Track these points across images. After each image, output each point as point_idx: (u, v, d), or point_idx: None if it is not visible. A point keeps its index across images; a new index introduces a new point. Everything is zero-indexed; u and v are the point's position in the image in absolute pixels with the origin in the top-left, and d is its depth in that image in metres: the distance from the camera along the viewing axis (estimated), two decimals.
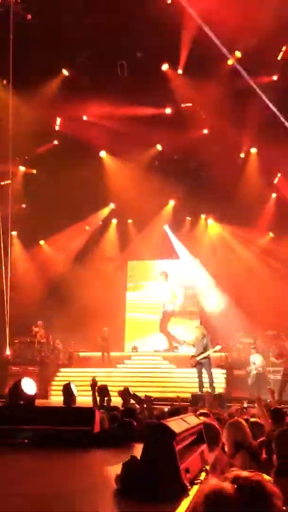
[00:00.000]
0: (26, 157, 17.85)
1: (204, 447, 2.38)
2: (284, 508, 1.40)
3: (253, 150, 17.29)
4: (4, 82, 15.29)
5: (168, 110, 16.85)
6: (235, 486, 1.30)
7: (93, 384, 7.46)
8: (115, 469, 1.80)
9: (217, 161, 16.06)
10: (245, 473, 1.38)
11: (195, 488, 1.77)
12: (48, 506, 1.62)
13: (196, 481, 1.87)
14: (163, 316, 17.61)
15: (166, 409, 7.02)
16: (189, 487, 1.70)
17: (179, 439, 1.81)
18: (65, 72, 16.02)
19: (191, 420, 2.29)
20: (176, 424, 1.87)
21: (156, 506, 1.50)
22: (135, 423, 3.24)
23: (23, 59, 13.87)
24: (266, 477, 1.67)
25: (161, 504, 1.52)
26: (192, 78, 15.17)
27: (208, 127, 17.03)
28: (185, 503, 1.57)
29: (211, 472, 2.29)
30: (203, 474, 2.03)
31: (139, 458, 1.73)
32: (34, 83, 15.27)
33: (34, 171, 18.09)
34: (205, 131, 17.13)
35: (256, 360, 13.67)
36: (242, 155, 17.49)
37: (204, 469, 2.14)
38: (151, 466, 1.65)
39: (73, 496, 1.75)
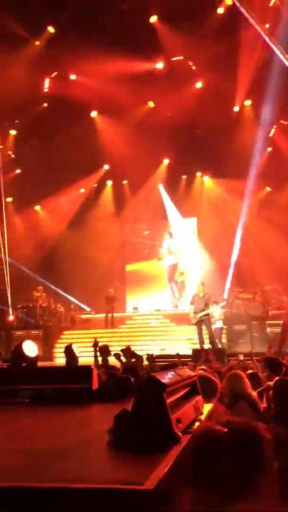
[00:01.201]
0: (16, 121, 17.50)
1: (198, 398, 2.42)
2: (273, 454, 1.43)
3: (248, 103, 16.92)
4: None
5: (159, 65, 16.36)
6: (228, 428, 1.33)
7: (95, 344, 7.60)
8: (110, 423, 1.84)
9: (211, 116, 15.74)
10: (238, 419, 1.41)
11: (187, 437, 1.82)
12: (45, 459, 1.66)
13: (189, 430, 1.91)
14: (168, 269, 17.68)
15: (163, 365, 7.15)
16: (181, 436, 1.74)
17: (170, 390, 1.84)
18: (50, 29, 15.46)
19: (184, 372, 2.32)
20: (167, 376, 1.89)
21: (147, 454, 1.53)
22: (132, 379, 3.30)
23: (6, 17, 13.37)
24: (260, 424, 1.71)
25: (153, 452, 1.55)
26: (182, 29, 14.65)
27: (200, 81, 16.60)
28: (176, 450, 1.61)
29: (206, 421, 2.34)
30: (196, 424, 2.08)
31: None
32: (19, 43, 14.77)
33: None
34: (198, 85, 16.71)
35: (215, 314, 13.61)
36: (236, 109, 17.13)
37: (197, 419, 2.19)
38: (141, 417, 1.69)
39: (68, 450, 1.79)
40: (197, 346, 12.37)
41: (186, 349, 12.42)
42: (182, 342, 14.19)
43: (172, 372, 2.09)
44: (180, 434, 1.75)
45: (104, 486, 1.19)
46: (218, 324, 13.51)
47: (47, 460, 1.63)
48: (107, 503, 1.18)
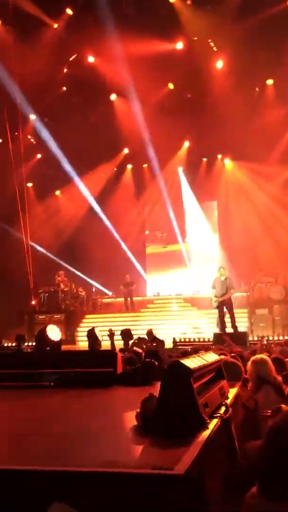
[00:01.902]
0: (35, 106, 17.45)
1: (223, 382, 2.42)
2: None
3: (269, 82, 16.56)
4: (6, 27, 14.71)
5: (179, 45, 16.06)
6: None
7: (111, 334, 7.70)
8: (136, 407, 1.85)
9: (232, 97, 15.45)
10: None
11: (214, 421, 1.81)
12: (74, 444, 1.67)
13: (215, 415, 1.91)
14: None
15: (189, 349, 7.18)
16: (208, 420, 1.74)
17: (197, 375, 1.83)
18: (69, 11, 15.28)
19: (210, 357, 2.31)
20: (193, 362, 1.88)
21: (175, 439, 1.54)
22: (156, 363, 3.31)
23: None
24: None
25: (180, 436, 1.56)
26: (202, 8, 14.32)
27: (221, 61, 16.27)
28: (205, 435, 1.61)
29: (232, 406, 2.34)
30: (222, 408, 2.07)
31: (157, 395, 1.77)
32: (37, 26, 14.67)
33: (45, 120, 17.71)
34: (219, 65, 16.38)
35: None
36: (257, 89, 16.80)
37: (223, 403, 2.18)
38: (168, 402, 1.69)
39: (96, 434, 1.81)
40: (202, 334, 12.37)
41: (207, 333, 12.42)
42: (203, 325, 14.18)
43: (198, 357, 2.08)
44: (207, 418, 1.75)
45: (135, 471, 1.20)
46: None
47: (76, 444, 1.64)
48: (139, 487, 1.18)
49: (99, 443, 1.63)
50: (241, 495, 1.63)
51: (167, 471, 1.18)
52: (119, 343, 8.54)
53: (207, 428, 1.68)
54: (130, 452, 1.51)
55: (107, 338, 7.80)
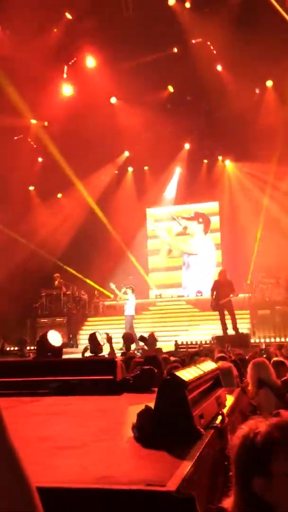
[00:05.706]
0: (36, 110, 17.48)
1: (220, 391, 2.43)
2: None
3: (269, 83, 16.58)
4: (5, 32, 14.77)
5: (178, 48, 16.10)
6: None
7: (108, 339, 7.77)
8: (133, 417, 1.86)
9: (232, 99, 15.49)
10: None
11: (210, 431, 1.83)
12: (64, 454, 1.68)
13: (211, 425, 1.92)
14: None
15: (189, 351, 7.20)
16: (203, 431, 1.76)
17: (192, 387, 1.85)
18: (68, 15, 15.34)
19: (207, 366, 2.32)
20: (189, 373, 1.90)
21: (170, 451, 1.55)
22: (155, 370, 3.32)
23: (23, 4, 13.31)
24: None
25: (176, 449, 1.57)
26: (201, 11, 14.37)
27: (220, 63, 16.30)
28: (198, 447, 1.62)
29: (229, 415, 2.35)
30: (219, 418, 2.09)
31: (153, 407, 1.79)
32: (37, 30, 14.71)
33: (46, 123, 17.79)
34: (218, 67, 16.41)
35: (129, 301, 13.56)
36: (257, 90, 16.82)
37: (220, 413, 2.20)
38: (163, 415, 1.70)
39: (91, 443, 1.82)
40: (220, 332, 12.33)
41: (209, 335, 12.41)
42: (205, 328, 14.18)
43: (195, 367, 2.10)
44: (202, 430, 1.76)
45: (128, 487, 1.21)
46: (129, 311, 13.38)
47: (69, 457, 1.64)
48: (131, 505, 1.19)
49: (93, 455, 1.65)
50: None
51: (159, 488, 1.20)
52: (120, 346, 8.57)
53: (202, 439, 1.69)
54: (125, 466, 1.52)
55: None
